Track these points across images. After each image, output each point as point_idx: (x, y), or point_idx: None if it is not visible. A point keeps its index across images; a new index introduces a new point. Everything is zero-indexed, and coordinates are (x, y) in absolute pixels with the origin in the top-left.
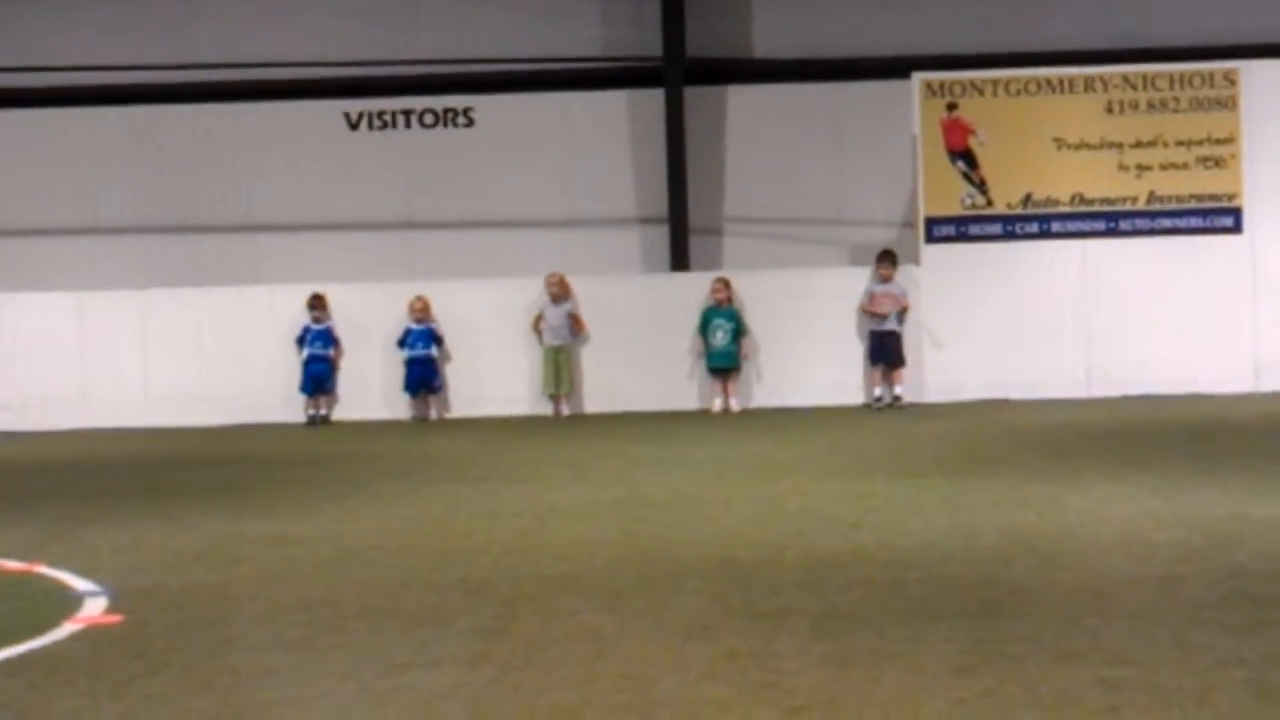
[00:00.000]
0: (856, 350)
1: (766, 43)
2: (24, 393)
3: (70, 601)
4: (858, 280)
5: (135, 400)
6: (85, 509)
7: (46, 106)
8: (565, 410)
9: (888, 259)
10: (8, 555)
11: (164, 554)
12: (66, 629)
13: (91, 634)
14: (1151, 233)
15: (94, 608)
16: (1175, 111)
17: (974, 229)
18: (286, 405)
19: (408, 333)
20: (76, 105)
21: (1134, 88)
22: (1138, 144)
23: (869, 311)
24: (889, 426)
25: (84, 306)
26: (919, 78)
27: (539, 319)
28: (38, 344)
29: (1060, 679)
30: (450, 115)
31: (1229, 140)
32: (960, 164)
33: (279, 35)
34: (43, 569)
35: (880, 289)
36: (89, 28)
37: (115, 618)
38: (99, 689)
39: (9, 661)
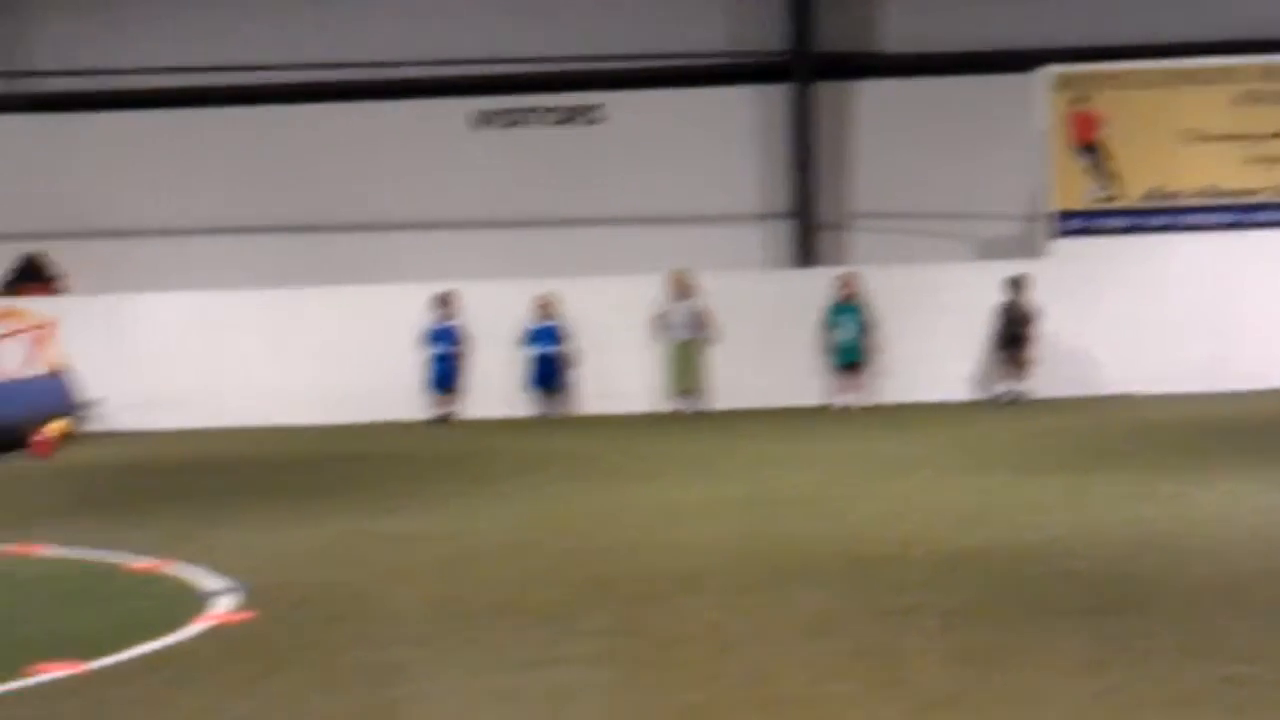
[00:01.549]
0: (981, 346)
1: (894, 37)
2: (155, 392)
3: (200, 599)
4: (984, 275)
5: (265, 399)
6: (215, 507)
7: (179, 107)
8: (690, 407)
9: (1018, 285)
10: (140, 553)
11: (292, 552)
12: (197, 626)
13: (221, 631)
14: None
15: (223, 605)
16: None
17: (1102, 222)
18: (413, 403)
19: (533, 330)
20: (208, 106)
21: (1265, 79)
22: (1268, 135)
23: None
24: (1014, 422)
25: (215, 306)
26: (1047, 71)
27: (663, 315)
28: (169, 343)
29: (1187, 675)
30: (578, 112)
31: None
32: (1088, 157)
33: (408, 34)
34: (174, 567)
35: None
36: (220, 29)
37: (244, 615)
38: (229, 685)
39: (142, 658)
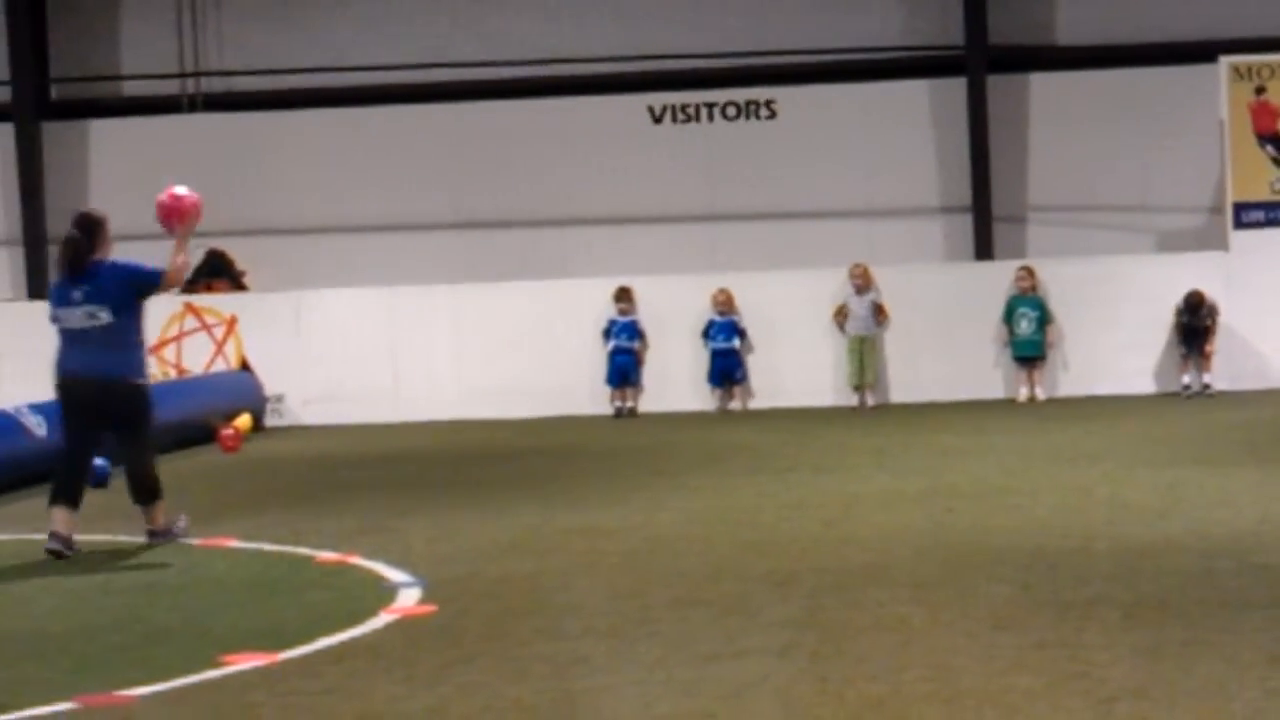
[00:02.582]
0: (1164, 338)
1: (1069, 28)
2: (338, 386)
3: (385, 591)
4: (1165, 267)
5: (446, 393)
6: (398, 501)
7: (360, 105)
8: (869, 400)
9: (1196, 297)
10: (326, 546)
11: (476, 545)
12: (383, 618)
13: (406, 623)
14: None
15: (408, 598)
16: None
17: None
18: (593, 397)
19: (711, 324)
20: (388, 103)
21: None
22: None
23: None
24: (1198, 414)
25: (396, 301)
26: (1226, 61)
27: (841, 309)
28: (351, 338)
29: None
30: (753, 107)
31: None
32: (1269, 148)
33: (583, 31)
34: (358, 560)
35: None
36: (401, 27)
37: (429, 608)
38: (415, 677)
39: (329, 650)
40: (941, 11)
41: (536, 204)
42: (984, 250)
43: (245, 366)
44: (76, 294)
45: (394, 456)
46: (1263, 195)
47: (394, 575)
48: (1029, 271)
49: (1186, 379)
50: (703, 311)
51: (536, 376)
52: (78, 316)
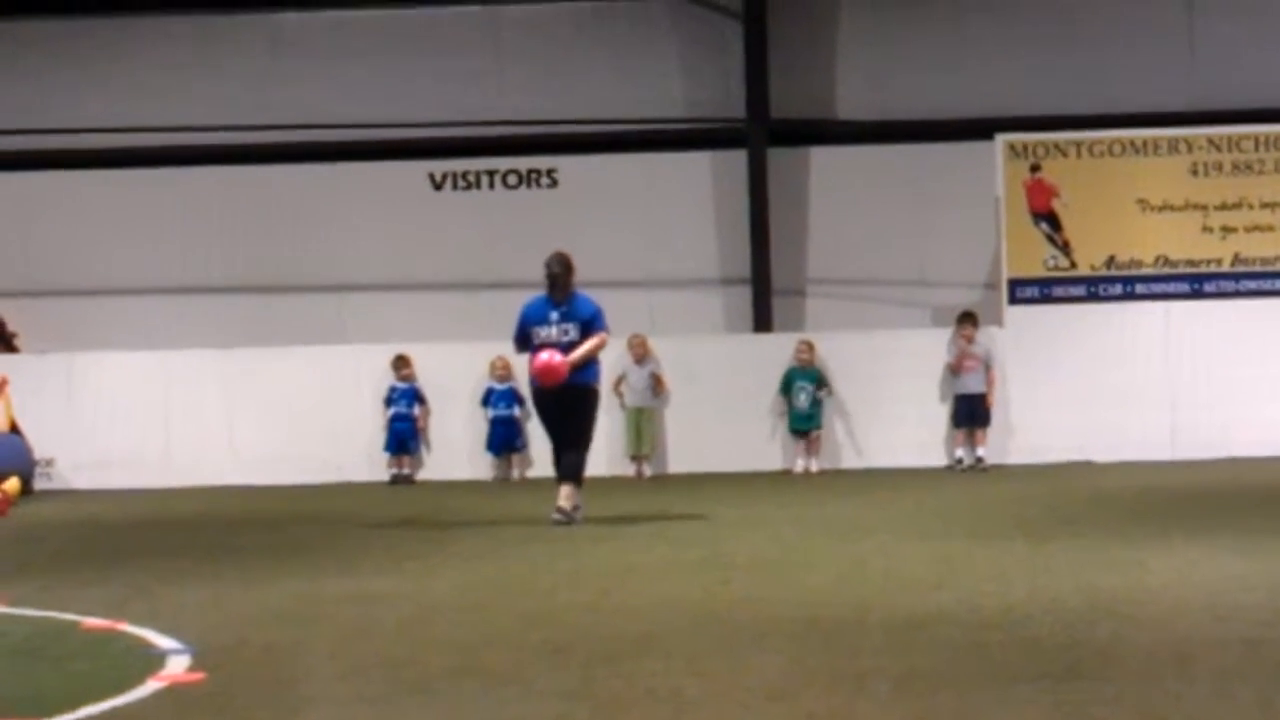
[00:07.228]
0: (939, 412)
1: (850, 104)
2: (108, 451)
3: (153, 659)
4: (941, 341)
5: (219, 459)
6: (169, 567)
7: (135, 167)
8: (647, 471)
9: (969, 320)
10: (92, 613)
11: (247, 612)
12: (149, 687)
13: (174, 692)
14: (1236, 295)
15: (177, 666)
16: (1260, 174)
17: (1057, 291)
18: (370, 464)
19: (490, 392)
20: (164, 166)
21: (1218, 149)
22: (1222, 206)
23: (956, 369)
24: (971, 488)
25: (169, 366)
26: (1002, 139)
27: (621, 380)
28: (122, 403)
29: None
30: (534, 176)
31: None
32: (1043, 225)
33: (364, 97)
34: (126, 627)
35: (965, 350)
36: (178, 90)
37: (198, 676)
38: None
39: (94, 718)
40: (723, 84)
41: (315, 269)
42: (763, 323)
43: (15, 429)
44: (554, 314)
45: (165, 522)
46: (1037, 272)
47: (163, 642)
48: (809, 345)
49: (960, 453)
50: (482, 379)
51: (312, 443)
52: (554, 333)
